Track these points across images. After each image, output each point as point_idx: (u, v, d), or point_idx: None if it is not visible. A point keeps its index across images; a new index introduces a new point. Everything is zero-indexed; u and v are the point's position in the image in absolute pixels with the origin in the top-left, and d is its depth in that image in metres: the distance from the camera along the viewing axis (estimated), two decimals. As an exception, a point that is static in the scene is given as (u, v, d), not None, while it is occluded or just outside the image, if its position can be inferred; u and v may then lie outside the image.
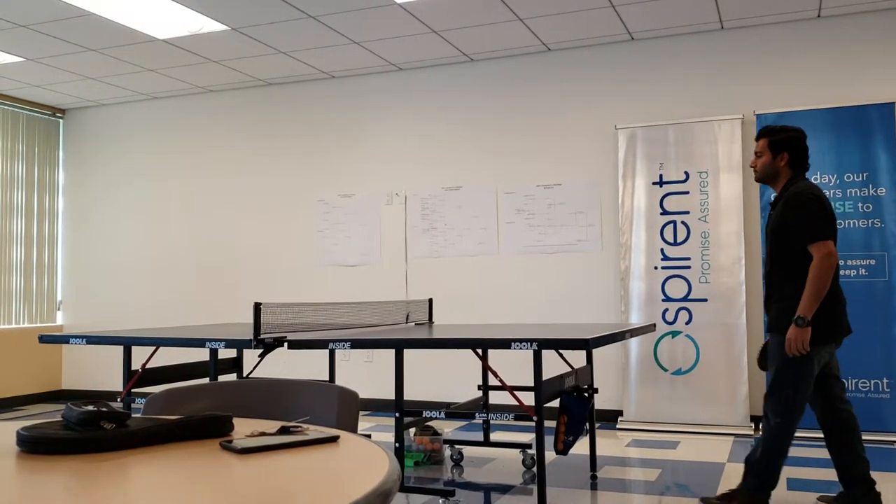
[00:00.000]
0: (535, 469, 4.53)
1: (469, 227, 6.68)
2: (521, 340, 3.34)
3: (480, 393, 4.93)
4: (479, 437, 5.19)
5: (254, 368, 4.63)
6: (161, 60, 6.61)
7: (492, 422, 4.84)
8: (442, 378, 6.61)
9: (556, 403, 3.86)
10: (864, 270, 5.47)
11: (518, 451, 4.94)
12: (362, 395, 6.71)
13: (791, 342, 3.41)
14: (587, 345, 3.31)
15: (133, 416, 1.45)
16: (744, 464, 3.60)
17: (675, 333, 5.91)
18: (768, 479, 3.50)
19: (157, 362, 4.64)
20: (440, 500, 3.78)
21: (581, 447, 4.99)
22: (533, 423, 3.48)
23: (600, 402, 6.05)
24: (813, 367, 3.46)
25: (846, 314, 3.56)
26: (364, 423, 6.12)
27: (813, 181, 5.57)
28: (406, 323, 4.97)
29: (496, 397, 5.35)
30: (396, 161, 6.96)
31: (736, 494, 3.59)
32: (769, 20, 5.85)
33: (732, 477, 4.35)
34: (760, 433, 3.64)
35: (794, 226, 3.48)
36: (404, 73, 6.98)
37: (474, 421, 4.94)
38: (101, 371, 7.86)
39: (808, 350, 3.39)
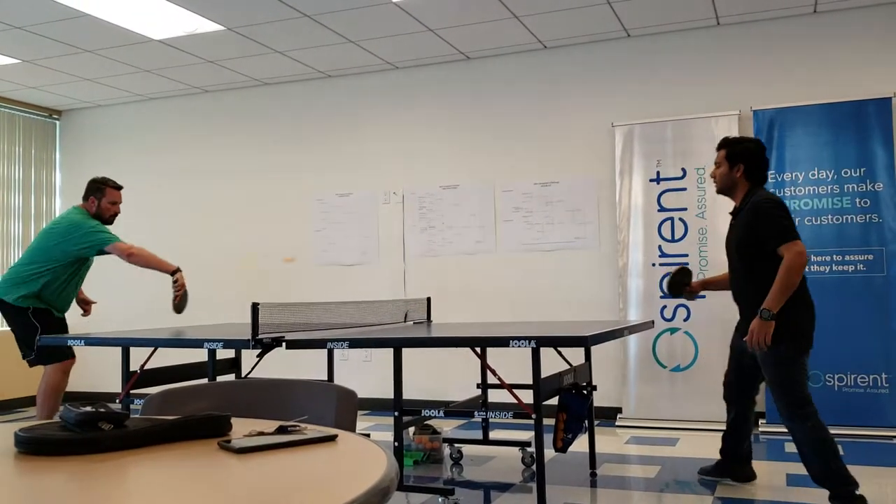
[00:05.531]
0: (534, 467, 4.53)
1: (467, 225, 6.68)
2: (519, 338, 3.34)
3: (479, 391, 4.93)
4: (479, 435, 5.19)
5: (252, 369, 4.61)
6: (157, 61, 6.60)
7: (491, 420, 4.83)
8: (441, 377, 6.60)
9: (555, 401, 3.85)
10: (861, 266, 5.47)
11: (517, 449, 4.94)
12: (361, 394, 6.69)
13: (754, 333, 3.43)
14: (586, 342, 3.31)
15: (131, 416, 1.45)
16: (820, 485, 3.54)
17: (673, 330, 5.91)
18: (846, 479, 3.45)
19: (155, 363, 4.62)
20: (440, 499, 3.78)
21: (580, 445, 4.99)
22: (532, 421, 3.47)
23: (599, 400, 6.03)
24: (803, 367, 3.50)
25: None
26: (363, 423, 6.12)
27: (812, 177, 5.62)
28: (404, 322, 4.96)
29: (495, 395, 5.33)
30: (393, 160, 6.95)
31: None
32: (765, 16, 5.85)
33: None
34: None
35: (764, 231, 3.50)
36: (401, 72, 6.97)
37: (473, 419, 4.94)
38: (99, 372, 7.85)
39: (769, 345, 3.42)
